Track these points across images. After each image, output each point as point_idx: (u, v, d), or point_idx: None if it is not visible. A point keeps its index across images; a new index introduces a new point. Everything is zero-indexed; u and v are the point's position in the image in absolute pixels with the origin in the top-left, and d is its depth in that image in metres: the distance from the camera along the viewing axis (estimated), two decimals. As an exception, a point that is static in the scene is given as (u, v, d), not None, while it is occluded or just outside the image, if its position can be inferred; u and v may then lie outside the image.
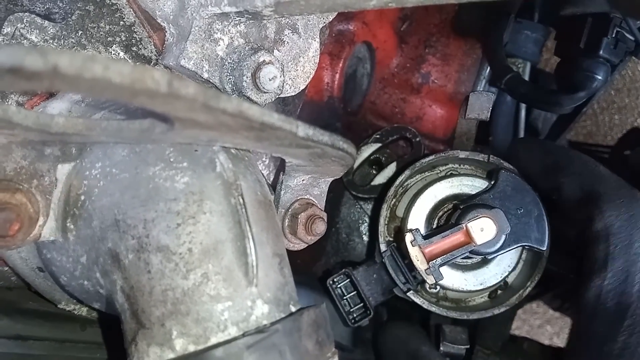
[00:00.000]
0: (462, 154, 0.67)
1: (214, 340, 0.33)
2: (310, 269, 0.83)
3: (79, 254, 0.38)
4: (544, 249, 0.60)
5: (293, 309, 0.37)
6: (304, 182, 0.49)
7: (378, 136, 0.84)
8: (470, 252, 0.59)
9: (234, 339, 0.33)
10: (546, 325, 1.58)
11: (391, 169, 0.82)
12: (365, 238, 0.84)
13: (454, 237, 0.58)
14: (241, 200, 0.36)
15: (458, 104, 0.94)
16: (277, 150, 0.38)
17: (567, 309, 1.31)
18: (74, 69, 0.23)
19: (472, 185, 0.66)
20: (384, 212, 0.70)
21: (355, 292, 0.68)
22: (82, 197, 0.37)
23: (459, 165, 0.70)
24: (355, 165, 0.83)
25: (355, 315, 0.67)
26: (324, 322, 0.37)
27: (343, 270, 0.69)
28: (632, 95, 1.35)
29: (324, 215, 0.49)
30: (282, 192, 0.48)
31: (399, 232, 0.70)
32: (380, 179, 0.83)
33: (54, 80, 0.23)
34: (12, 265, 0.43)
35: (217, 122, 0.29)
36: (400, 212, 0.72)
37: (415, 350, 0.61)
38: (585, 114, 1.01)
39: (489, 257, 0.62)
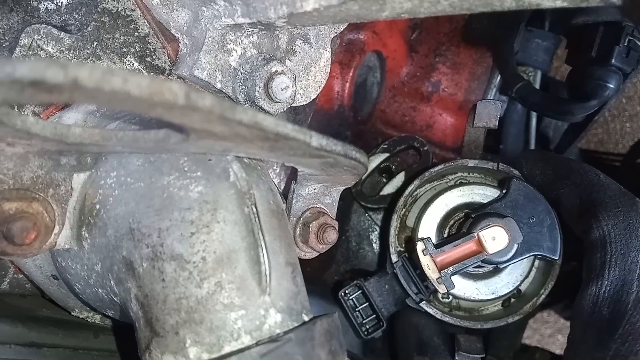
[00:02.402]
0: (471, 163, 0.67)
1: (227, 349, 0.33)
2: (320, 277, 0.83)
3: (94, 262, 0.38)
4: (557, 258, 0.59)
5: (306, 318, 0.37)
6: (315, 190, 0.49)
7: (386, 146, 0.84)
8: (482, 261, 0.58)
9: (248, 347, 0.33)
10: (557, 335, 1.56)
11: (400, 178, 0.82)
12: (376, 246, 0.84)
13: (466, 246, 0.58)
14: (254, 209, 0.36)
15: (468, 113, 0.94)
16: (290, 160, 0.38)
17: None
18: (93, 82, 0.23)
19: (483, 194, 0.66)
20: (394, 223, 0.70)
21: (367, 304, 0.68)
22: (97, 206, 0.38)
23: (469, 174, 0.69)
24: (364, 175, 0.83)
25: (368, 327, 0.67)
26: (336, 331, 0.37)
27: (355, 282, 0.68)
28: (643, 103, 1.34)
29: (336, 224, 0.49)
30: (294, 201, 0.49)
31: (409, 242, 0.70)
32: (389, 188, 0.83)
33: (74, 92, 0.24)
34: (27, 272, 0.44)
35: (233, 133, 0.29)
36: (410, 222, 0.72)
37: (427, 339, 0.60)
38: (597, 122, 1.00)
39: (501, 267, 0.62)
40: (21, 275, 0.46)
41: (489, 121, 0.66)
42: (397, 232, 0.70)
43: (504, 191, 0.61)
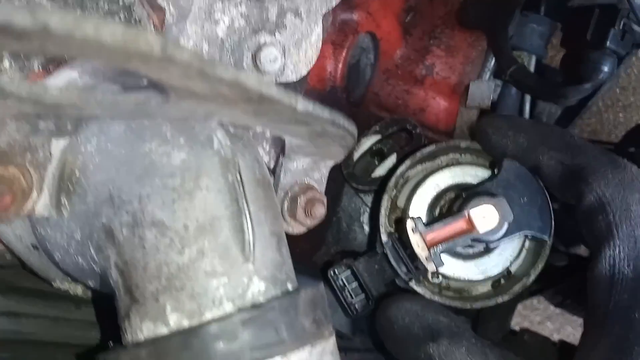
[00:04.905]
0: (464, 144, 0.66)
1: (208, 316, 0.32)
2: (310, 259, 0.82)
3: (73, 230, 0.37)
4: (548, 238, 0.59)
5: (290, 288, 0.36)
6: (304, 165, 0.48)
7: (378, 128, 0.83)
8: (472, 240, 0.58)
9: (229, 315, 0.32)
10: (546, 322, 1.57)
11: (392, 160, 0.81)
12: (366, 228, 0.84)
13: (456, 225, 0.58)
14: (239, 177, 0.35)
15: (461, 97, 0.93)
16: (277, 127, 0.37)
17: (569, 305, 1.30)
18: (64, 28, 0.22)
19: (474, 174, 0.65)
20: (385, 203, 0.70)
21: (356, 283, 0.67)
22: (77, 173, 0.37)
23: (461, 155, 0.69)
24: (356, 157, 0.83)
25: (357, 307, 0.66)
26: (321, 301, 0.37)
27: (344, 260, 0.68)
28: (637, 93, 1.33)
29: (324, 198, 0.48)
30: (282, 175, 0.48)
31: (400, 223, 0.70)
32: (381, 170, 0.82)
33: (44, 40, 0.23)
34: (6, 242, 0.43)
35: (214, 93, 0.29)
36: (401, 203, 0.71)
37: (434, 322, 0.53)
38: (590, 112, 1.00)
39: (492, 246, 0.61)
40: (1, 246, 0.45)
41: (482, 101, 0.66)
42: (387, 213, 0.70)
43: (495, 171, 0.61)
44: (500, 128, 0.59)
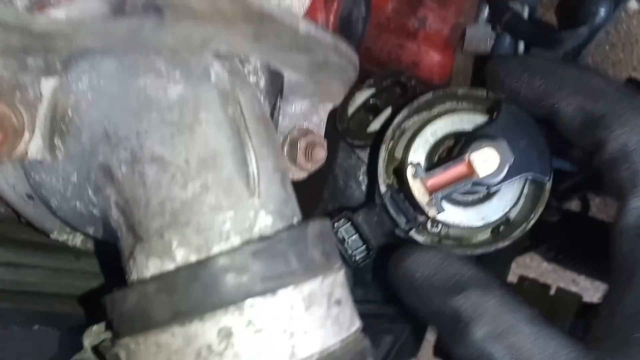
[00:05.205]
0: (461, 90, 0.65)
1: (216, 250, 0.31)
2: (307, 217, 0.82)
3: (69, 172, 0.36)
4: (548, 179, 0.59)
5: (297, 223, 0.35)
6: (302, 108, 0.47)
7: (372, 81, 0.81)
8: (473, 184, 0.57)
9: (239, 247, 0.31)
10: (540, 279, 1.60)
11: (386, 114, 0.80)
12: (363, 184, 0.83)
13: (456, 169, 0.57)
14: (239, 110, 0.34)
15: (454, 50, 0.91)
16: (276, 56, 0.36)
17: (561, 260, 1.32)
18: None
19: (472, 121, 0.64)
20: (383, 154, 0.69)
21: (356, 235, 0.67)
22: (70, 112, 0.35)
23: (458, 103, 0.68)
24: (350, 112, 0.81)
25: (357, 258, 0.66)
26: (329, 235, 0.36)
27: (343, 213, 0.68)
28: (626, 50, 1.33)
29: (324, 141, 0.47)
30: (280, 119, 0.46)
31: (398, 174, 0.69)
32: (376, 125, 0.81)
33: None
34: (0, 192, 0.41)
35: (213, 10, 0.27)
36: (398, 154, 0.70)
37: (459, 274, 0.48)
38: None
39: (492, 190, 0.61)
40: (-6, 199, 0.43)
41: (479, 46, 0.64)
42: (385, 164, 0.69)
43: (494, 115, 0.60)
44: (514, 70, 0.56)
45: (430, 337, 0.87)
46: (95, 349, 0.35)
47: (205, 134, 0.33)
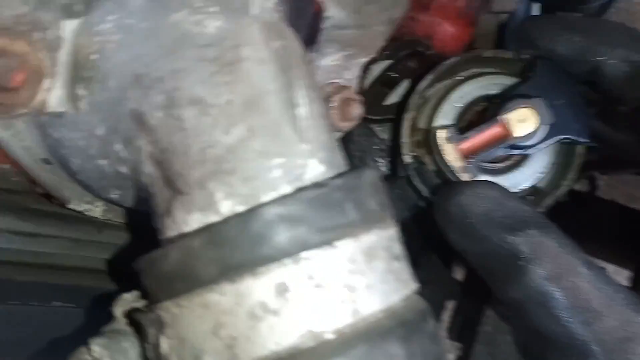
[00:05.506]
0: (487, 53, 0.62)
1: (265, 199, 0.28)
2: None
3: (94, 125, 0.32)
4: (586, 140, 0.56)
5: (348, 173, 0.32)
6: (335, 63, 0.44)
7: (388, 52, 0.78)
8: (509, 147, 0.54)
9: (292, 195, 0.28)
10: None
11: (404, 86, 0.77)
12: (379, 160, 0.80)
13: (492, 131, 0.54)
14: (285, 46, 0.31)
15: (469, 22, 0.89)
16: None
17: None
18: None
19: (501, 84, 0.61)
20: (406, 123, 0.66)
21: (379, 209, 0.64)
22: (94, 57, 0.32)
23: (484, 68, 0.65)
24: (367, 85, 0.78)
25: (380, 233, 0.63)
26: (382, 186, 0.33)
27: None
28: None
29: (360, 98, 0.44)
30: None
31: (421, 145, 0.66)
32: (394, 97, 0.78)
33: None
34: (14, 156, 0.38)
35: None
36: (422, 124, 0.67)
37: (520, 211, 0.44)
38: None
39: (529, 152, 0.58)
40: (7, 166, 0.39)
41: (507, 4, 0.61)
42: (409, 134, 0.66)
43: (529, 73, 0.57)
44: (552, 29, 0.53)
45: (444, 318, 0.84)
46: (129, 317, 0.32)
47: (249, 72, 0.30)
